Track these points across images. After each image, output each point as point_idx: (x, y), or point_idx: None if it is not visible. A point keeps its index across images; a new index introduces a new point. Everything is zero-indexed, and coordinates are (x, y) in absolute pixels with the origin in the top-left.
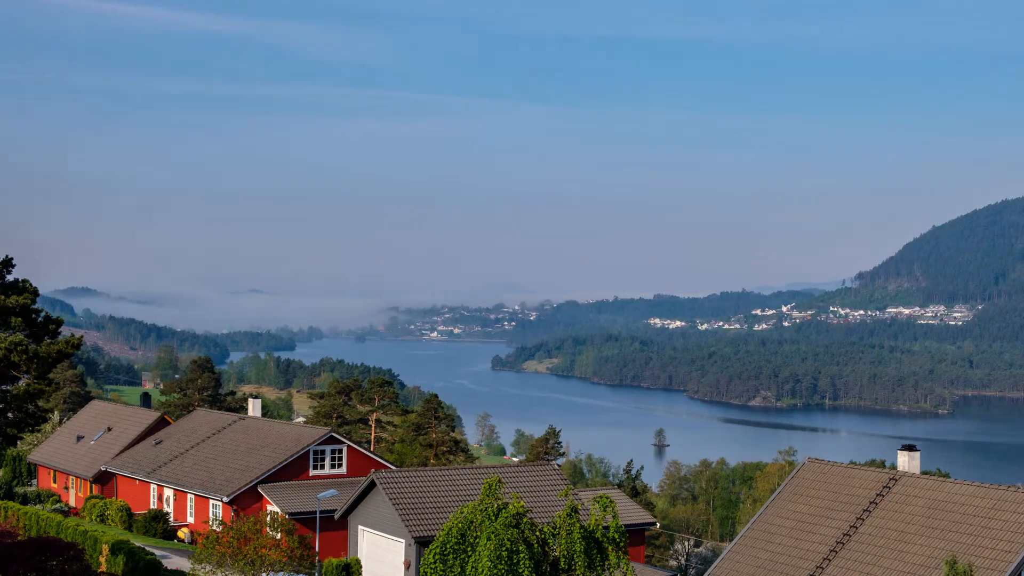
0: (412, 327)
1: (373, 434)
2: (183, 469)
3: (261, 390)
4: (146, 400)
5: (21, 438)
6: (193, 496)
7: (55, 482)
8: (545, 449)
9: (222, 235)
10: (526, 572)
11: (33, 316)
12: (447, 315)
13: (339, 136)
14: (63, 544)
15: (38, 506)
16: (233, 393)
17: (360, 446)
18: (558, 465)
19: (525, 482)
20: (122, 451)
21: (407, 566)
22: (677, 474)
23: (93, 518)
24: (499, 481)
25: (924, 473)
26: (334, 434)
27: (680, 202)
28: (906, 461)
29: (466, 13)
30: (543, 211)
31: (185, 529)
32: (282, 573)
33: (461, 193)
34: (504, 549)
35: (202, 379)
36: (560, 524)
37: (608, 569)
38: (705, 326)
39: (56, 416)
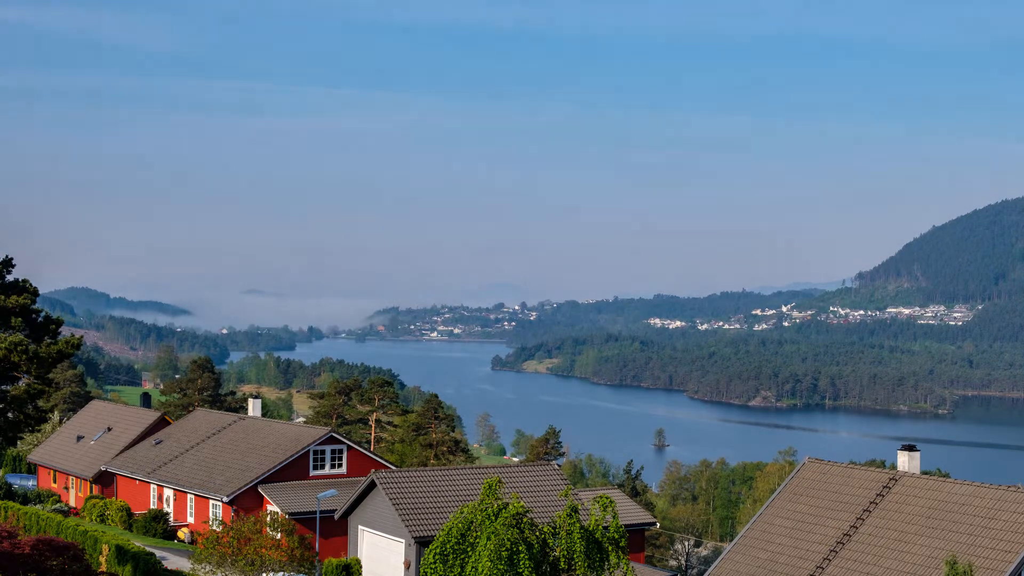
0: (412, 327)
1: (373, 434)
2: (183, 469)
3: (261, 390)
4: (146, 400)
5: (21, 438)
6: (193, 496)
7: (55, 482)
8: (545, 449)
9: (222, 235)
10: (526, 572)
11: (33, 316)
12: (447, 315)
13: (337, 135)
14: (63, 544)
15: (38, 506)
16: (233, 393)
17: (360, 446)
18: (558, 465)
19: (525, 482)
20: (122, 451)
21: (407, 566)
22: (677, 474)
23: (93, 518)
24: (499, 481)
25: (924, 473)
26: (334, 434)
27: (680, 202)
28: (906, 461)
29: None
30: (543, 211)
31: (185, 529)
32: (282, 573)
33: (460, 193)
34: (504, 549)
35: (202, 379)
36: (560, 524)
37: (608, 569)
38: (705, 326)
39: (56, 416)
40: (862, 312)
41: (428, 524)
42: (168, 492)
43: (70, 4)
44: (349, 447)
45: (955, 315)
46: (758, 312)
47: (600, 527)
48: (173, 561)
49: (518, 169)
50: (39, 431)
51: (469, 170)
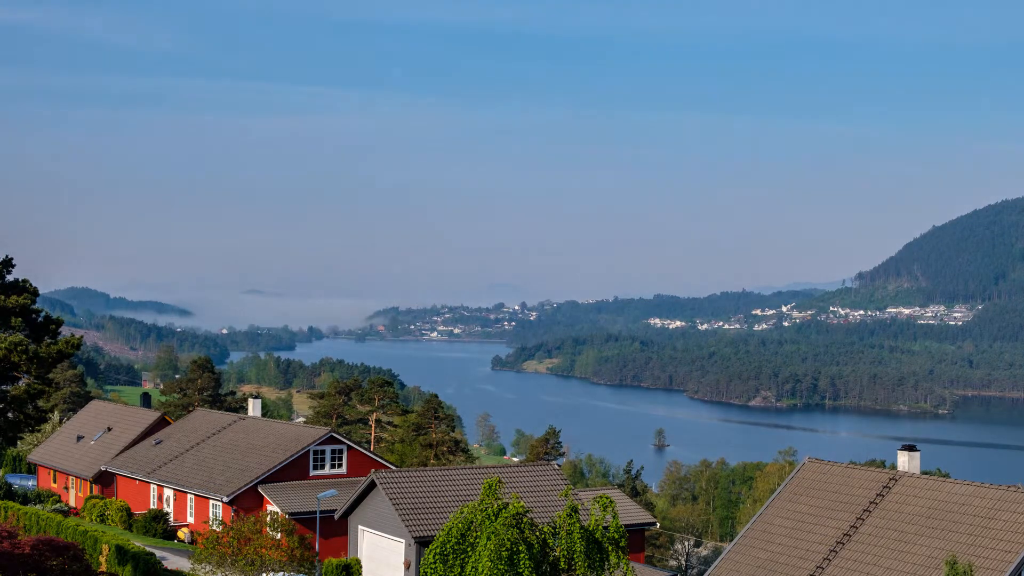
0: (412, 327)
1: (373, 434)
2: (183, 469)
3: (261, 390)
4: (146, 400)
5: (21, 438)
6: (193, 496)
7: (55, 482)
8: (545, 449)
9: (222, 235)
10: (526, 572)
11: (33, 316)
12: (447, 315)
13: (337, 135)
14: (63, 544)
15: (38, 506)
16: (233, 393)
17: (360, 446)
18: (558, 465)
19: (525, 482)
20: (122, 451)
21: (407, 566)
22: (677, 474)
23: (93, 518)
24: (499, 481)
25: (924, 473)
26: (334, 434)
27: (680, 202)
28: (906, 461)
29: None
30: (543, 211)
31: (185, 529)
32: (282, 573)
33: (460, 193)
34: (504, 549)
35: (202, 379)
36: (560, 524)
37: (608, 569)
38: (705, 326)
39: (56, 416)
40: (862, 312)
41: (428, 524)
42: (168, 492)
43: (71, 4)
44: (349, 447)
45: (955, 315)
46: (758, 312)
47: (600, 527)
48: (173, 561)
49: (518, 169)
50: (39, 431)
51: (469, 170)
